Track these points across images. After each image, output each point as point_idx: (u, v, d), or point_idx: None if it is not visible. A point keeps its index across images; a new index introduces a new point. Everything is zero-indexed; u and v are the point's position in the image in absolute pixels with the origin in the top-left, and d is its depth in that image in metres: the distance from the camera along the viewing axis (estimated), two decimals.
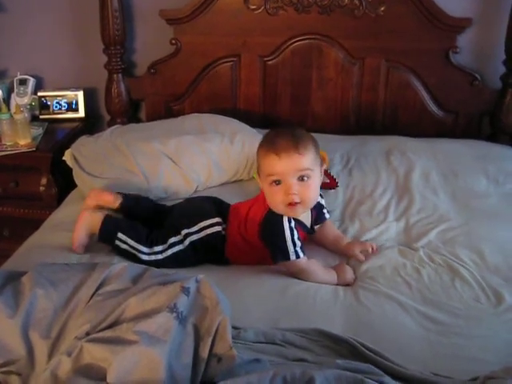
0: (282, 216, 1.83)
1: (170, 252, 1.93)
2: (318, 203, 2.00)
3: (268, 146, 1.81)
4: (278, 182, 1.79)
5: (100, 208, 2.11)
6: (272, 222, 1.85)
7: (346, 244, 2.01)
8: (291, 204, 1.79)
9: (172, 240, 1.95)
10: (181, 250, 1.94)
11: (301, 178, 1.79)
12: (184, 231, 1.95)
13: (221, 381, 1.26)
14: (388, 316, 1.68)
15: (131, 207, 2.14)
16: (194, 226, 1.95)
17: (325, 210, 2.06)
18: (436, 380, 1.39)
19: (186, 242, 1.94)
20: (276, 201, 1.81)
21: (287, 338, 1.51)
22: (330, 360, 1.40)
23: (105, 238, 1.98)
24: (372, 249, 1.98)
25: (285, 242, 1.82)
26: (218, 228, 1.95)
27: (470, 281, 1.83)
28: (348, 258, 1.98)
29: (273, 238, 1.85)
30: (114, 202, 2.12)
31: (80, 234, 1.98)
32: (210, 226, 1.95)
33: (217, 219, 1.97)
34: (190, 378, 1.30)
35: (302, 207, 1.84)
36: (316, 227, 2.03)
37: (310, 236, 2.02)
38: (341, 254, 2.01)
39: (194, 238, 1.94)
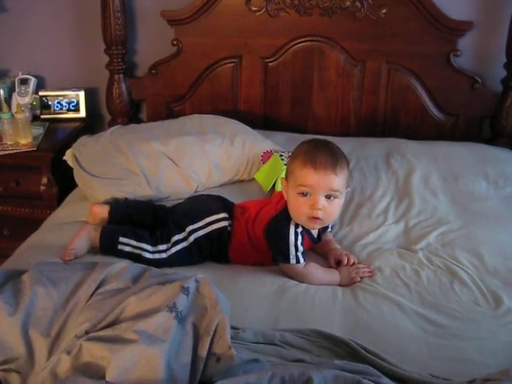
0: (289, 220, 1.86)
1: (173, 250, 1.94)
2: None
3: (307, 157, 1.81)
4: (305, 194, 1.81)
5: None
6: (279, 223, 1.88)
7: (333, 247, 2.02)
8: (314, 217, 1.81)
9: (176, 237, 1.95)
10: (184, 248, 1.94)
11: (328, 196, 1.81)
12: (189, 228, 1.95)
13: (219, 380, 1.27)
14: (386, 317, 1.68)
15: (123, 212, 2.13)
16: (199, 221, 1.96)
17: (330, 224, 2.08)
18: (434, 382, 1.40)
19: (191, 239, 1.94)
20: (300, 211, 1.83)
21: (286, 339, 1.52)
22: (328, 361, 1.41)
23: (107, 245, 1.95)
24: (349, 261, 1.94)
25: (288, 244, 1.85)
26: (224, 223, 1.97)
27: (468, 283, 1.83)
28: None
29: (277, 238, 1.88)
30: (103, 211, 2.10)
31: (79, 242, 1.94)
32: (216, 221, 1.96)
33: (223, 214, 1.98)
34: (189, 377, 1.31)
35: (322, 223, 1.87)
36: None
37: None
38: (321, 256, 2.02)
39: (199, 234, 1.94)
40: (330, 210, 1.83)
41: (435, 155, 2.64)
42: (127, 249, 1.93)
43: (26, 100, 3.01)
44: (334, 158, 1.80)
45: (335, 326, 1.63)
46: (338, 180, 1.80)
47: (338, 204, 1.84)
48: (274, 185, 2.30)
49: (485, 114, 2.90)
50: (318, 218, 1.81)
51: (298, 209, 1.83)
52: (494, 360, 1.53)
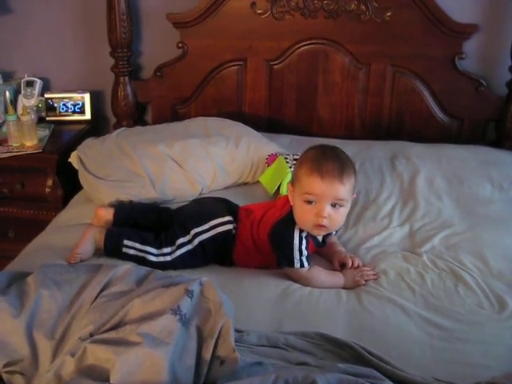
0: (294, 224, 1.86)
1: (178, 253, 1.94)
2: None
3: (314, 165, 1.80)
4: (311, 202, 1.80)
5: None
6: (284, 227, 1.88)
7: (337, 249, 2.02)
8: (319, 225, 1.81)
9: (180, 240, 1.95)
10: (189, 251, 1.94)
11: (334, 205, 1.80)
12: (193, 230, 1.95)
13: (223, 383, 1.27)
14: (391, 321, 1.68)
15: (127, 214, 2.13)
16: (204, 224, 1.96)
17: None
18: None
19: (195, 242, 1.94)
20: (306, 219, 1.83)
21: (290, 342, 1.52)
22: (331, 364, 1.41)
23: (111, 248, 1.96)
24: (353, 264, 1.94)
25: (292, 249, 1.85)
26: (229, 226, 1.97)
27: (473, 286, 1.83)
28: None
29: (281, 242, 1.87)
30: (107, 214, 2.10)
31: (85, 246, 1.95)
32: (221, 224, 1.96)
33: (228, 218, 1.98)
34: (193, 380, 1.31)
35: (327, 230, 1.87)
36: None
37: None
38: (326, 258, 2.02)
39: (204, 237, 1.94)
40: (336, 218, 1.82)
41: (440, 158, 2.64)
42: (132, 252, 1.93)
43: (32, 102, 3.02)
44: (341, 167, 1.79)
45: (339, 329, 1.63)
46: (344, 189, 1.79)
47: (343, 212, 1.84)
48: (279, 187, 2.30)
49: (490, 116, 2.90)
50: (323, 226, 1.81)
51: (304, 216, 1.83)
52: (498, 363, 1.52)
